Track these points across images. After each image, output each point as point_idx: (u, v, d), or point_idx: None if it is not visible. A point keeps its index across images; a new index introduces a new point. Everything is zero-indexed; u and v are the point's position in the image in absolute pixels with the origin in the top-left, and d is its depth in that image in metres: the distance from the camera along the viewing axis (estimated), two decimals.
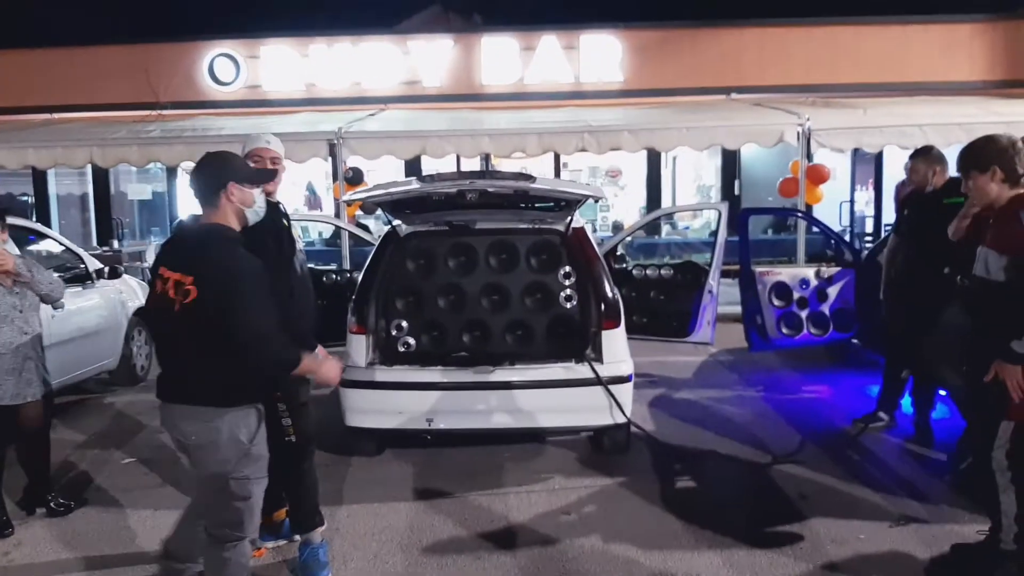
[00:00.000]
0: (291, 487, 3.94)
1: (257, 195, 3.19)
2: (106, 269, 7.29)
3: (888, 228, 11.22)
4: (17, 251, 4.91)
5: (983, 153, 3.66)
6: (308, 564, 3.88)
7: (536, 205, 5.56)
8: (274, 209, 3.77)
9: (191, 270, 2.92)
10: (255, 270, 2.98)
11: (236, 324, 2.85)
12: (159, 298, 3.00)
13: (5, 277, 4.45)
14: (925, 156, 5.48)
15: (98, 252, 11.72)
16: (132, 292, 7.90)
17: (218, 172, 3.09)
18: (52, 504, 4.67)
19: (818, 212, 11.17)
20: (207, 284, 2.88)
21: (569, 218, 5.54)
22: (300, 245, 4.04)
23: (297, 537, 4.06)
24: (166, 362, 3.14)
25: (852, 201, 15.60)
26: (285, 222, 3.90)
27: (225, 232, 3.06)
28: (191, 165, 12.47)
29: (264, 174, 3.44)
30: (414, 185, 5.03)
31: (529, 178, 4.97)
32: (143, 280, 10.08)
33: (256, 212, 3.22)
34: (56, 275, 4.97)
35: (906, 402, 5.87)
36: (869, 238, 15.04)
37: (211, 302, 2.86)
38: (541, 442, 5.71)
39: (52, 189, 15.30)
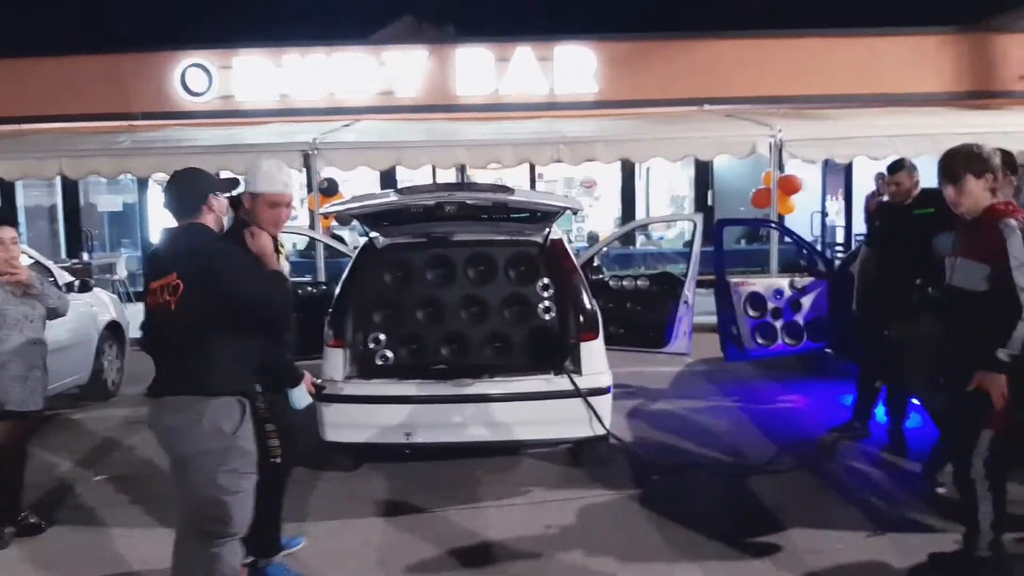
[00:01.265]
0: (268, 508, 3.89)
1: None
2: (77, 283, 7.16)
3: (859, 238, 11.39)
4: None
5: (978, 158, 3.60)
6: None
7: (513, 216, 5.56)
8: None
9: (173, 267, 3.08)
10: (231, 247, 3.20)
11: (237, 294, 3.04)
12: (152, 311, 3.17)
13: (17, 287, 4.48)
14: (908, 169, 5.53)
15: (67, 264, 11.53)
16: (103, 306, 7.79)
17: (199, 186, 3.27)
18: (23, 523, 4.55)
19: (789, 222, 11.29)
20: (191, 274, 3.03)
21: (547, 230, 5.55)
22: (286, 267, 4.01)
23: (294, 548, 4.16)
24: (160, 363, 3.21)
25: (823, 212, 15.79)
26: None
27: (199, 228, 3.20)
28: (164, 176, 12.35)
29: (232, 183, 3.58)
30: (392, 197, 5.02)
31: (507, 190, 4.98)
32: (113, 293, 9.95)
33: (227, 220, 3.42)
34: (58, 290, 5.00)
35: (880, 411, 5.94)
36: (840, 248, 15.23)
37: (197, 290, 3.01)
38: (520, 455, 5.69)
39: (20, 200, 15.00)
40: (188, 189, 3.25)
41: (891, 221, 5.61)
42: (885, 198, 6.07)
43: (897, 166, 5.60)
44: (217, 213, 3.26)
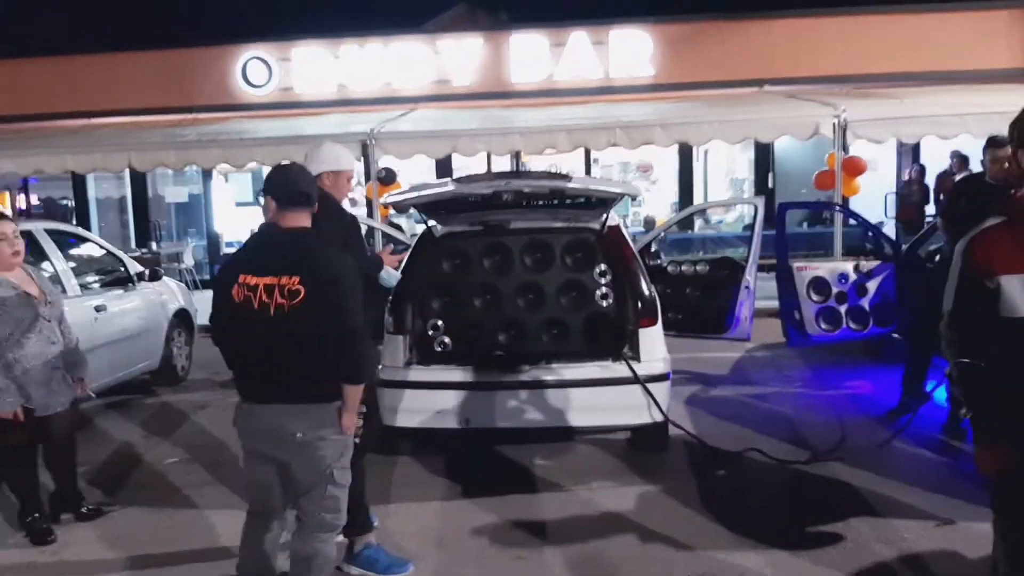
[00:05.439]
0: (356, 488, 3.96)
1: None
2: (147, 272, 7.41)
3: (931, 219, 10.99)
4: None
5: None
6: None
7: (570, 203, 5.53)
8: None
9: (296, 271, 3.00)
10: (355, 272, 3.14)
11: (339, 320, 3.01)
12: (242, 305, 3.05)
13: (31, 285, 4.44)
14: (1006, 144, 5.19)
15: (137, 254, 11.91)
16: (172, 294, 8.04)
17: (314, 183, 3.28)
18: (84, 509, 4.71)
19: (863, 204, 10.96)
20: (316, 283, 2.99)
21: (605, 216, 5.52)
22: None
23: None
24: (260, 365, 3.12)
25: (898, 193, 15.09)
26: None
27: (320, 236, 3.20)
28: (228, 168, 12.59)
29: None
30: (449, 186, 5.04)
31: (565, 177, 4.95)
32: (181, 281, 10.25)
33: None
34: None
35: (940, 395, 5.78)
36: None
37: (318, 300, 2.99)
38: (577, 441, 5.70)
39: (91, 193, 15.55)
40: (310, 186, 3.21)
41: (980, 201, 5.22)
42: (957, 177, 5.79)
43: (1002, 139, 5.10)
44: (313, 211, 3.24)
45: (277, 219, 3.16)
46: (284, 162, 3.69)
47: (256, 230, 3.35)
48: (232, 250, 14.77)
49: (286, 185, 3.16)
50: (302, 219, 3.16)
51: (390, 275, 4.21)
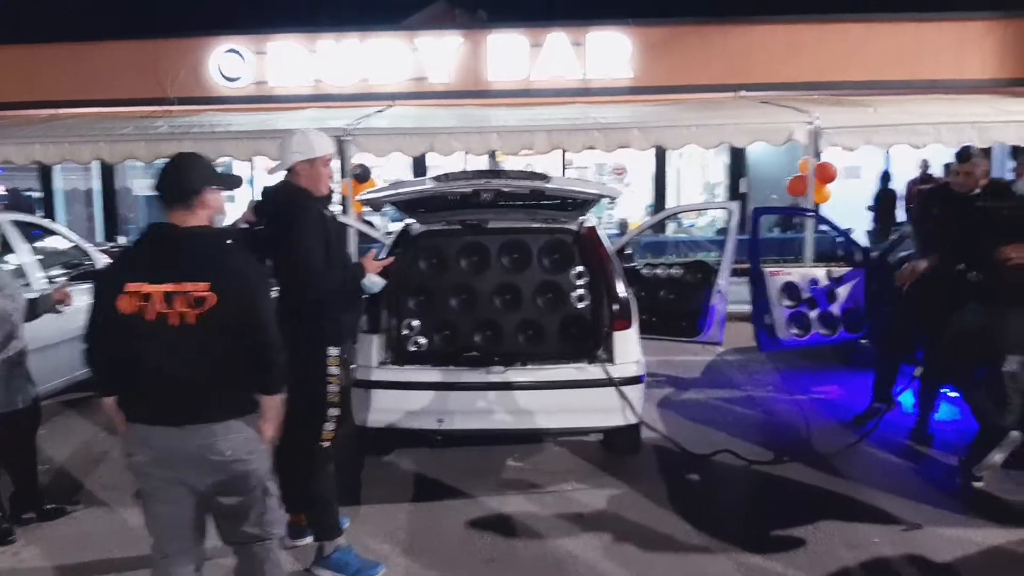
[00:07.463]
0: (317, 490, 3.92)
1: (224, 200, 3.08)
2: None
3: (898, 228, 11.15)
4: None
5: None
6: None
7: (547, 204, 5.52)
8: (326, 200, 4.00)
9: (203, 276, 2.75)
10: (266, 276, 2.99)
11: (255, 329, 2.83)
12: (133, 318, 2.74)
13: None
14: (979, 155, 5.32)
15: (105, 248, 11.70)
16: None
17: (198, 175, 2.92)
18: (45, 508, 4.62)
19: (845, 212, 11.05)
20: (228, 289, 2.77)
21: (582, 217, 5.51)
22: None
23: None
24: (165, 384, 2.80)
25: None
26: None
27: (223, 235, 3.04)
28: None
29: (233, 180, 3.20)
30: (428, 185, 5.00)
31: (544, 177, 4.93)
32: None
33: (220, 219, 3.15)
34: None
35: (907, 400, 5.85)
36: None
37: (231, 308, 2.77)
38: (551, 443, 5.69)
39: (58, 184, 15.30)
40: (185, 177, 2.88)
41: (955, 211, 5.27)
42: (929, 185, 5.90)
43: (967, 153, 5.35)
44: (212, 210, 2.93)
45: (169, 219, 2.87)
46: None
47: (146, 231, 2.95)
48: None
49: (167, 182, 2.89)
50: (190, 218, 2.85)
51: (373, 282, 4.07)
